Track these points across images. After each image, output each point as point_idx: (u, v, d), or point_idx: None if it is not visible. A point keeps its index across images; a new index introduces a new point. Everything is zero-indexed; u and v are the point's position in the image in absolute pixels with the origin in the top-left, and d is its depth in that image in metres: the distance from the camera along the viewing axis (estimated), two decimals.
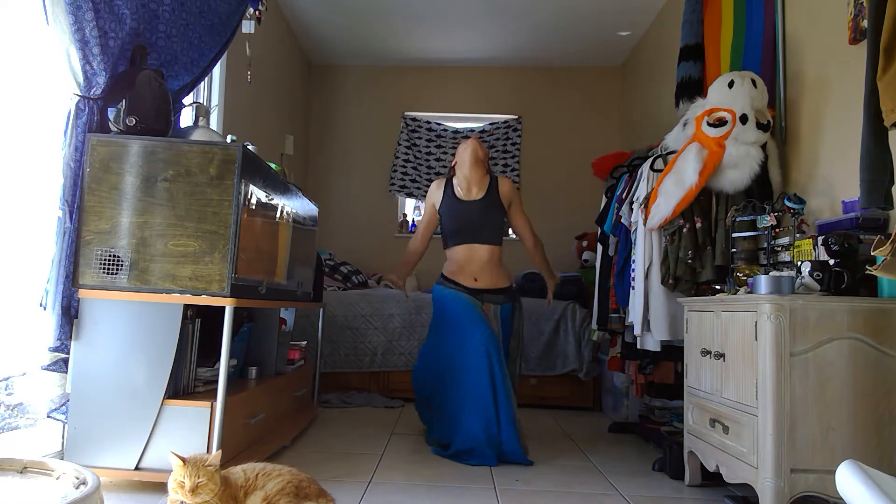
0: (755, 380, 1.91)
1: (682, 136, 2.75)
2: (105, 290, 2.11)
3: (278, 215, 2.63)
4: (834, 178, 2.40)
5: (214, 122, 3.66)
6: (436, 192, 3.12)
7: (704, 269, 2.60)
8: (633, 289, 2.91)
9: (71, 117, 2.15)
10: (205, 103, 3.55)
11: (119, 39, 2.24)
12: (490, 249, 2.98)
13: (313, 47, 5.48)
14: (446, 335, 2.93)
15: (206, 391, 2.27)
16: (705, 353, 2.26)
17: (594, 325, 3.38)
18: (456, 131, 5.70)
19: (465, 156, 3.04)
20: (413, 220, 5.75)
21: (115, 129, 2.27)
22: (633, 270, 2.93)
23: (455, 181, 3.08)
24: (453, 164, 3.14)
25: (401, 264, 3.25)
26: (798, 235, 2.25)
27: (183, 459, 1.54)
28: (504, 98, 5.72)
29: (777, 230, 2.33)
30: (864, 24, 2.15)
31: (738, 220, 2.44)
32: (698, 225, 2.62)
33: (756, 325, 1.92)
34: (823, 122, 2.49)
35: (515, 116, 5.70)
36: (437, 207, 3.10)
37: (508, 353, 2.99)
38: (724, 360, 2.13)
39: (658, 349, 2.79)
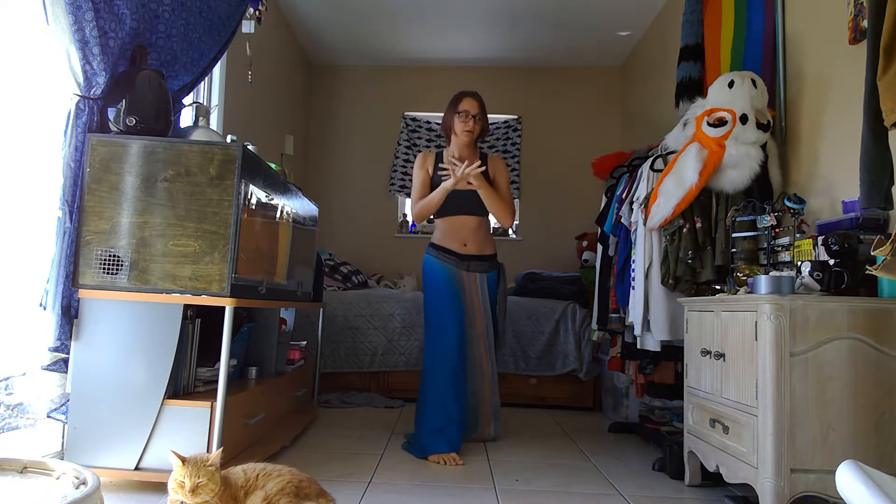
0: (755, 380, 1.91)
1: (682, 136, 2.75)
2: (105, 290, 2.11)
3: (278, 215, 2.63)
4: (834, 178, 2.40)
5: (214, 122, 3.66)
6: (426, 164, 3.06)
7: (704, 269, 2.60)
8: (633, 289, 2.91)
9: (71, 117, 2.15)
10: (205, 103, 3.55)
11: (119, 39, 2.24)
12: (479, 219, 3.06)
13: (313, 47, 5.48)
14: (431, 321, 2.97)
15: (206, 391, 2.27)
16: (705, 353, 2.26)
17: (594, 325, 3.38)
18: None
19: (462, 137, 3.01)
20: (413, 220, 5.75)
21: (115, 129, 2.27)
22: (633, 270, 2.93)
23: (445, 154, 3.07)
24: (449, 125, 3.06)
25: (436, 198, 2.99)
26: (798, 235, 2.25)
27: (183, 459, 1.54)
28: (504, 98, 5.71)
29: (777, 230, 2.33)
30: (864, 24, 2.15)
31: (738, 220, 2.44)
32: (698, 225, 2.62)
33: (756, 325, 1.92)
34: (823, 122, 2.49)
35: (515, 116, 5.70)
36: (431, 177, 3.05)
37: (496, 321, 3.08)
38: (724, 360, 2.13)
39: (658, 349, 2.79)
